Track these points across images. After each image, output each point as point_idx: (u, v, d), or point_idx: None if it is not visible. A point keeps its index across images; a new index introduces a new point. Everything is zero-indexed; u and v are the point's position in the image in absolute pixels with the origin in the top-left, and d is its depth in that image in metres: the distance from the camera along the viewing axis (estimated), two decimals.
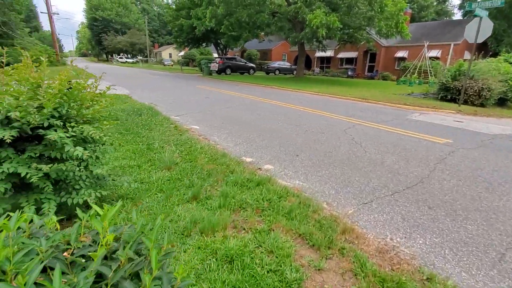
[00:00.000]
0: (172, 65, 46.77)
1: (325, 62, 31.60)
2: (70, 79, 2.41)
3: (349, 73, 27.21)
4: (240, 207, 2.63)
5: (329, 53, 27.61)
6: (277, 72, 28.41)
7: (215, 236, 2.16)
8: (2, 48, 2.39)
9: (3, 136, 1.76)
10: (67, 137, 2.02)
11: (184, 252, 1.98)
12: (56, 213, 2.09)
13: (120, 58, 57.87)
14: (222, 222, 2.30)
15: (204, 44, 32.87)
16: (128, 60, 55.64)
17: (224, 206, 2.60)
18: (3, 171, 1.81)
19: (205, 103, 8.92)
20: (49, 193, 2.04)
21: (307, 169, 3.76)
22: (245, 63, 26.11)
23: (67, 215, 2.26)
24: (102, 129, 2.44)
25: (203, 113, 7.27)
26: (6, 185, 1.89)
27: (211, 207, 2.61)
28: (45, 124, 2.01)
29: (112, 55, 66.38)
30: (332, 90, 13.40)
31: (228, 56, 28.51)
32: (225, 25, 19.38)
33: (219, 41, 29.46)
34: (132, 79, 17.82)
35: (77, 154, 1.95)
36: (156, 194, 2.83)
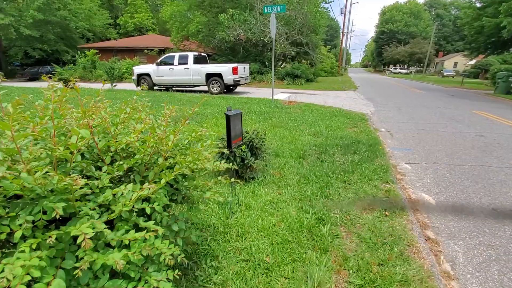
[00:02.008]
0: (453, 77, 37.96)
1: None
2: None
3: None
4: None
5: None
6: None
7: None
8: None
9: None
10: None
11: None
12: None
13: (394, 68, 55.82)
14: None
15: None
16: (401, 71, 52.35)
17: None
18: None
19: (471, 146, 5.32)
20: None
21: None
22: None
23: None
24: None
25: (457, 168, 4.13)
26: None
27: None
28: None
29: (388, 66, 66.02)
30: None
31: None
32: None
33: None
34: (388, 92, 15.67)
35: None
36: None
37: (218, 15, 19.05)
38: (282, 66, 24.64)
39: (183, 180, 1.58)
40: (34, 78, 24.66)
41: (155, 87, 13.52)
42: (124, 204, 1.16)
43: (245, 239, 2.27)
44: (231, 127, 2.30)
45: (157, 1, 44.39)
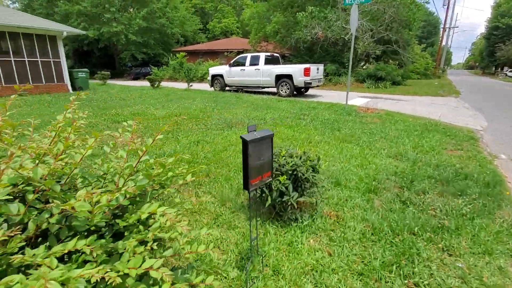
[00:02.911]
0: None
1: None
2: None
3: None
4: None
5: None
6: None
7: None
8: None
9: None
10: None
11: None
12: None
13: (510, 71, 44.41)
14: None
15: None
16: None
17: None
18: None
19: None
20: None
21: None
22: None
23: None
24: None
25: None
26: None
27: None
28: None
29: (502, 68, 53.33)
30: None
31: None
32: None
33: None
34: (506, 101, 11.87)
35: None
36: None
37: (297, 14, 18.12)
38: (364, 67, 22.07)
39: None
40: (137, 77, 28.61)
41: (227, 88, 13.55)
42: None
43: None
44: (249, 159, 1.43)
45: (243, 6, 46.21)
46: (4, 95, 10.56)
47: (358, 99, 10.81)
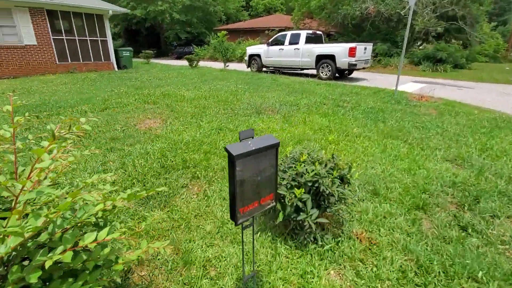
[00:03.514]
0: None
1: None
2: None
3: None
4: None
5: None
6: None
7: None
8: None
9: None
10: None
11: None
12: None
13: None
14: None
15: None
16: None
17: None
18: None
19: None
20: None
21: None
22: None
23: None
24: None
25: None
26: None
27: None
28: None
29: None
30: None
31: None
32: None
33: None
34: None
35: None
36: None
37: None
38: (420, 47, 19.39)
39: None
40: (180, 57, 29.07)
41: (263, 69, 12.91)
42: None
43: None
44: (236, 180, 0.98)
45: None
46: (58, 72, 11.34)
47: (410, 84, 9.46)
